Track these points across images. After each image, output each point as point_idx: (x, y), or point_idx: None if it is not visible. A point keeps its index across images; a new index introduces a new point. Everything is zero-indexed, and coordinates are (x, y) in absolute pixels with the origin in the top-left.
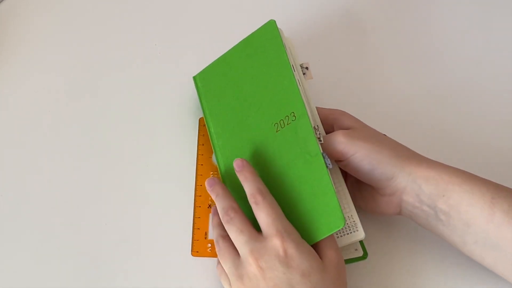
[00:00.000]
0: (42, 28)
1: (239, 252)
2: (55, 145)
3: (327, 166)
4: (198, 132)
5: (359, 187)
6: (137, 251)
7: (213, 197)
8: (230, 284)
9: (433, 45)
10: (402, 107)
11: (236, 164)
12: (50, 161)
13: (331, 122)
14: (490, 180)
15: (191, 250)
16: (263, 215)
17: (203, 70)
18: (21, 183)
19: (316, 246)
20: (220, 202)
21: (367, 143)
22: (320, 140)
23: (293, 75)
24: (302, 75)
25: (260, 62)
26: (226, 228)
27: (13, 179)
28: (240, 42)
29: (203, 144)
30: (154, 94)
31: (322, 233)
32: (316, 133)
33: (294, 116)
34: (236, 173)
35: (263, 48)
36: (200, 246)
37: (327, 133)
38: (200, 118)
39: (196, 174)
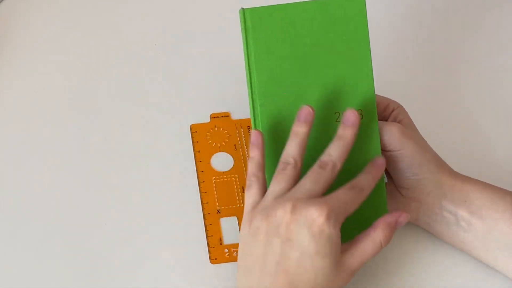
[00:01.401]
0: (42, 28)
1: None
2: (55, 145)
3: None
4: (192, 139)
5: None
6: (137, 251)
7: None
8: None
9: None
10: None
11: (348, 118)
12: (50, 161)
13: (387, 111)
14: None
15: (209, 258)
16: (322, 180)
17: (257, 8)
18: (21, 183)
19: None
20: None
21: (416, 143)
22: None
23: (372, 68)
24: None
25: (337, 35)
26: (282, 172)
27: (13, 179)
28: (315, 1)
29: (199, 151)
30: (154, 93)
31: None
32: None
33: (361, 115)
34: (342, 124)
35: (344, 21)
36: (217, 253)
37: (380, 117)
38: (192, 125)
39: (198, 181)
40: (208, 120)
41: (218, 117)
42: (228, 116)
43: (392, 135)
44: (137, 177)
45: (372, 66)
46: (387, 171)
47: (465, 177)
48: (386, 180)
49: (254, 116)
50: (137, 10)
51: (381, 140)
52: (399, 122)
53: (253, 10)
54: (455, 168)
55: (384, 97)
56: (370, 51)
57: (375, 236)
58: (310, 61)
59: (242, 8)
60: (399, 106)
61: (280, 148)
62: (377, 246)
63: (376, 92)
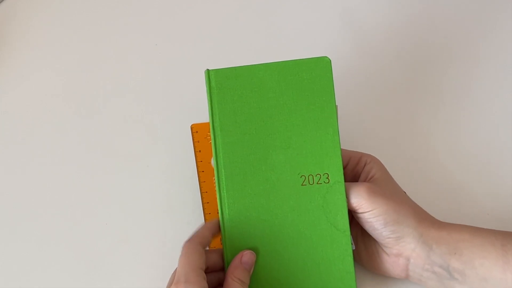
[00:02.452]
0: (42, 28)
1: None
2: (55, 145)
3: (352, 246)
4: (193, 139)
5: (365, 241)
6: (137, 251)
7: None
8: None
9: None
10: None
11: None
12: (50, 161)
13: (359, 166)
14: (498, 230)
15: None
16: None
17: (222, 69)
18: (21, 183)
19: None
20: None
21: (388, 200)
22: (353, 247)
23: (338, 131)
24: None
25: (302, 97)
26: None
27: (13, 179)
28: (280, 62)
29: (199, 151)
30: (154, 93)
31: None
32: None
33: (328, 179)
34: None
35: (310, 83)
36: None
37: (351, 173)
38: (192, 125)
39: (199, 181)
40: (208, 120)
41: None
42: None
43: (360, 196)
44: (138, 177)
45: (338, 127)
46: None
47: (451, 226)
48: (353, 247)
49: (217, 178)
50: (137, 10)
51: (350, 202)
52: (371, 177)
53: (218, 71)
54: (439, 211)
55: (355, 152)
56: (336, 111)
57: None
58: (275, 122)
59: (207, 69)
60: (372, 159)
61: (245, 187)
62: None
63: (348, 144)
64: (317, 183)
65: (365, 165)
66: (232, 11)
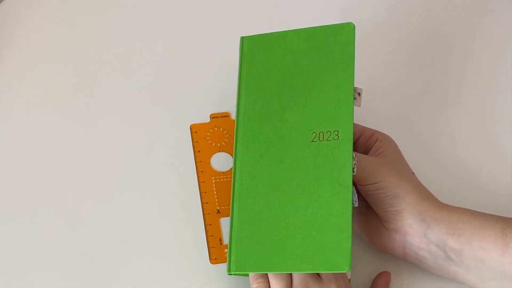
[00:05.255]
0: (42, 28)
1: (294, 283)
2: (55, 145)
3: (353, 203)
4: (192, 139)
5: (367, 216)
6: (137, 251)
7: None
8: None
9: None
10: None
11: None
12: (50, 161)
13: (371, 141)
14: (498, 215)
15: (209, 258)
16: None
17: (254, 35)
18: (21, 182)
19: None
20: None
21: (391, 175)
22: (353, 172)
23: (353, 92)
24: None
25: (324, 60)
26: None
27: (13, 178)
28: (307, 28)
29: (199, 151)
30: (153, 93)
31: (322, 267)
32: (352, 163)
33: (337, 135)
34: None
35: (333, 48)
36: (217, 253)
37: (362, 146)
38: (192, 125)
39: (198, 181)
40: (208, 120)
41: (218, 117)
42: (228, 116)
43: (365, 168)
44: (137, 177)
45: (353, 93)
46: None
47: (452, 208)
48: (356, 204)
49: (236, 139)
50: (137, 10)
51: (359, 174)
52: (380, 153)
53: (251, 38)
54: (445, 195)
55: (369, 128)
56: (353, 77)
57: None
58: (296, 83)
59: (241, 37)
60: (385, 137)
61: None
62: None
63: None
64: (326, 140)
65: (376, 141)
66: (232, 10)
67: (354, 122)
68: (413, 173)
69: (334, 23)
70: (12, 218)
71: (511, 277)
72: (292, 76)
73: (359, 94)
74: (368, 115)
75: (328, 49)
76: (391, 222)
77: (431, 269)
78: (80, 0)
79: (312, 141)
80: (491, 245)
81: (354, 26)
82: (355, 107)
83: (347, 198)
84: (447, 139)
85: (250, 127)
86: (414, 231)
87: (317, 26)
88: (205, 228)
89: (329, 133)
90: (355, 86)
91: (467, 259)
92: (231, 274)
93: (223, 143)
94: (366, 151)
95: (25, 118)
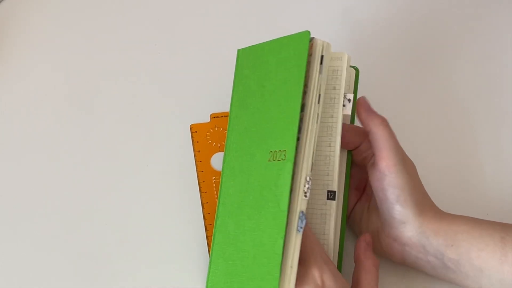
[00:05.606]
0: (42, 29)
1: None
2: (55, 145)
3: (297, 229)
4: (192, 139)
5: (368, 221)
6: (137, 251)
7: None
8: None
9: None
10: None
11: None
12: (50, 161)
13: (367, 157)
14: (498, 222)
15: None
16: (306, 243)
17: (247, 48)
18: (21, 183)
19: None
20: None
21: (410, 180)
22: (306, 196)
23: (299, 105)
24: (341, 107)
25: (284, 74)
26: None
27: (13, 179)
28: (277, 39)
29: (199, 151)
30: (153, 93)
31: (218, 286)
32: (304, 187)
33: (284, 156)
34: None
35: (291, 60)
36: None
37: (364, 153)
38: (192, 125)
39: (198, 181)
40: (208, 120)
41: (218, 117)
42: (228, 116)
43: (392, 158)
44: (137, 177)
45: (299, 103)
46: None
47: (452, 218)
48: (300, 230)
49: (225, 150)
50: (137, 10)
51: (381, 160)
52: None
53: (243, 50)
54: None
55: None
56: (301, 89)
57: (367, 264)
58: (262, 98)
59: (238, 49)
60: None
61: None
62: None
63: None
64: (277, 160)
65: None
66: (231, 10)
67: (357, 125)
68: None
69: (334, 23)
70: (12, 218)
71: (509, 284)
72: (262, 91)
73: (349, 100)
74: None
75: (288, 62)
76: (392, 228)
77: (430, 274)
78: (80, 0)
79: (268, 160)
80: (490, 254)
81: (309, 33)
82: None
83: (283, 223)
84: (447, 139)
85: (231, 143)
86: (413, 243)
87: (285, 36)
88: (205, 228)
89: (280, 152)
90: (345, 92)
91: (465, 268)
92: None
93: (223, 143)
94: (365, 160)
95: (25, 118)
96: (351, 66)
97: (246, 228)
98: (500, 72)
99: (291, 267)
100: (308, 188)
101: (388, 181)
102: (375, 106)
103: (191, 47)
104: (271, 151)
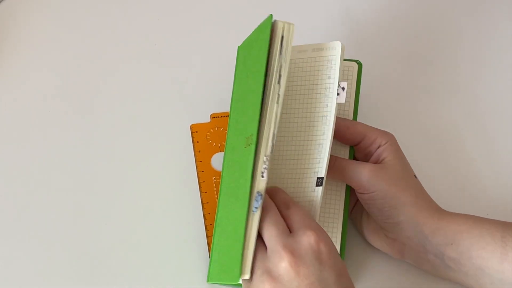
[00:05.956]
0: (42, 29)
1: (268, 245)
2: (54, 145)
3: (252, 210)
4: (192, 139)
5: (368, 218)
6: (137, 251)
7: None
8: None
9: None
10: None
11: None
12: (50, 161)
13: (373, 147)
14: (499, 220)
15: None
16: (298, 213)
17: (245, 40)
18: (20, 183)
19: None
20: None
21: (389, 186)
22: (263, 177)
23: (261, 88)
24: (336, 95)
25: (253, 61)
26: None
27: (12, 179)
28: (256, 29)
29: (199, 151)
30: (153, 93)
31: (229, 278)
32: (262, 167)
33: (252, 140)
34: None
35: (261, 47)
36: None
37: (363, 151)
38: (192, 125)
39: (198, 181)
40: (208, 120)
41: (218, 117)
42: (228, 116)
43: (362, 177)
44: (137, 177)
45: (262, 88)
46: None
47: (451, 216)
48: (255, 210)
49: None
50: (137, 10)
51: (352, 181)
52: (382, 160)
53: (241, 46)
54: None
55: (373, 130)
56: (263, 74)
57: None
58: (247, 89)
59: (238, 46)
60: (388, 141)
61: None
62: None
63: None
64: (249, 145)
65: (378, 148)
66: (231, 10)
67: (359, 121)
68: (415, 176)
69: (333, 23)
70: (12, 218)
71: (510, 283)
72: (247, 82)
73: (343, 88)
74: (369, 113)
75: (257, 48)
76: (390, 231)
77: (429, 273)
78: (80, 0)
79: (244, 147)
80: (490, 254)
81: (271, 17)
82: (338, 103)
83: (243, 205)
84: (447, 139)
85: (229, 138)
86: (413, 242)
87: (261, 23)
88: (205, 228)
89: (250, 137)
90: (340, 81)
91: (466, 267)
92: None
93: (224, 143)
94: (367, 156)
95: (25, 118)
96: (354, 60)
97: (230, 218)
98: (500, 71)
99: (248, 248)
100: (265, 168)
101: (365, 198)
102: (375, 106)
103: (191, 47)
104: (246, 137)
